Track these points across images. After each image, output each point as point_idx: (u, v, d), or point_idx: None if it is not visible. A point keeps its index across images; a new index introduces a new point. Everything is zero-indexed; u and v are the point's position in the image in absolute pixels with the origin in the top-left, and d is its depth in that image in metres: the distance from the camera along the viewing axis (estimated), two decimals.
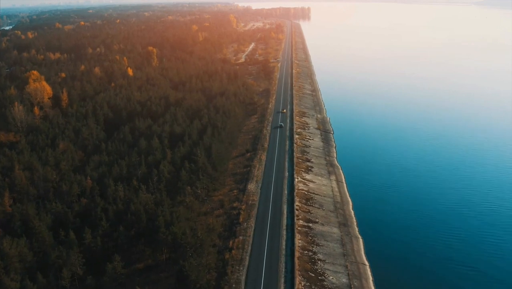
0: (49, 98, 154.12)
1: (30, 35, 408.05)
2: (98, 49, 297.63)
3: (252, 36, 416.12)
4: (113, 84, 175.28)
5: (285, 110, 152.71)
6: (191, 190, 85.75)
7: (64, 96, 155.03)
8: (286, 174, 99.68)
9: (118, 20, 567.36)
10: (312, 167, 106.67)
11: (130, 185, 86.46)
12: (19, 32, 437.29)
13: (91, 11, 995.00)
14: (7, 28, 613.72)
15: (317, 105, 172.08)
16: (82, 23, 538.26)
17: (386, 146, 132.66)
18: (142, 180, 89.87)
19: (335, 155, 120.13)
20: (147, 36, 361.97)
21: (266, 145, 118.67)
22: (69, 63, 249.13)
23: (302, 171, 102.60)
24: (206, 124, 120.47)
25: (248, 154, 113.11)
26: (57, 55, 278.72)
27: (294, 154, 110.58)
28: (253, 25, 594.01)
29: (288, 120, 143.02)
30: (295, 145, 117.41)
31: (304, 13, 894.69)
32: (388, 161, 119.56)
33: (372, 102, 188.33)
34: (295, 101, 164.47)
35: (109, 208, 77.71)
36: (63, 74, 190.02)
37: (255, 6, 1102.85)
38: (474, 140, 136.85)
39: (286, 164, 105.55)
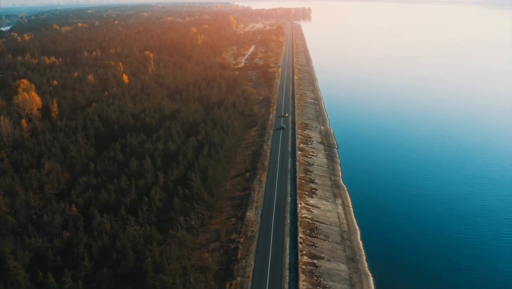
0: (38, 109, 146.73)
1: (26, 37, 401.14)
2: (94, 52, 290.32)
3: (252, 38, 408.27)
4: (106, 93, 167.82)
5: (287, 114, 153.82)
6: (184, 221, 78.27)
7: (54, 107, 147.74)
8: (289, 198, 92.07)
9: (116, 22, 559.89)
10: (316, 189, 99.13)
11: (118, 215, 78.98)
12: (16, 34, 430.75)
13: (90, 11, 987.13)
14: (4, 29, 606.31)
15: (320, 115, 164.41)
16: (80, 24, 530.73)
17: (394, 160, 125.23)
18: (131, 208, 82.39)
19: (340, 174, 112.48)
20: (144, 39, 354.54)
21: (266, 163, 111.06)
22: (63, 68, 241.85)
23: (305, 194, 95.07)
24: (203, 141, 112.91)
25: (248, 174, 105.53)
26: (52, 59, 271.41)
27: (297, 174, 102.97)
28: (253, 26, 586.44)
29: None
30: (297, 163, 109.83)
31: (304, 14, 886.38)
32: (397, 178, 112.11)
33: (376, 108, 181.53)
34: (297, 112, 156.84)
35: (93, 244, 70.26)
36: (55, 82, 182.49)
37: (255, 6, 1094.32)
38: (489, 150, 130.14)
39: (289, 186, 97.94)
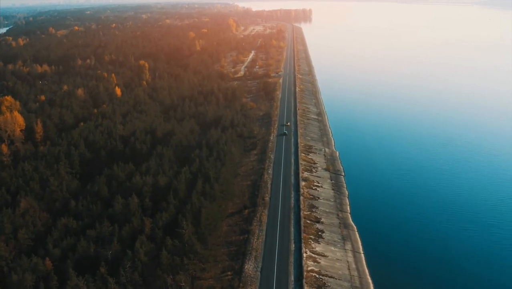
0: (21, 130, 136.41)
1: (21, 42, 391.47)
2: (88, 60, 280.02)
3: (252, 43, 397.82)
4: (95, 110, 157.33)
5: (289, 123, 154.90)
6: (172, 281, 67.95)
7: (39, 128, 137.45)
8: (292, 245, 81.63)
9: (114, 25, 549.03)
10: (322, 231, 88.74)
11: (96, 274, 68.66)
12: (10, 39, 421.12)
13: (89, 12, 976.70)
14: (1, 31, 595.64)
15: (324, 134, 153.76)
16: (76, 28, 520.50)
17: (406, 184, 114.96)
18: (112, 262, 72.08)
19: (348, 209, 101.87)
20: (141, 44, 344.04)
21: (267, 198, 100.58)
22: (54, 78, 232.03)
23: (311, 239, 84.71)
24: (196, 173, 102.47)
25: (246, 211, 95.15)
26: (44, 67, 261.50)
27: (301, 212, 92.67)
28: (253, 29, 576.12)
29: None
30: (301, 197, 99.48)
31: (305, 15, 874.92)
32: (410, 207, 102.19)
33: (382, 122, 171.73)
34: (299, 131, 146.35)
35: None
36: (42, 97, 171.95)
37: (255, 6, 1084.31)
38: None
39: (292, 228, 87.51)
